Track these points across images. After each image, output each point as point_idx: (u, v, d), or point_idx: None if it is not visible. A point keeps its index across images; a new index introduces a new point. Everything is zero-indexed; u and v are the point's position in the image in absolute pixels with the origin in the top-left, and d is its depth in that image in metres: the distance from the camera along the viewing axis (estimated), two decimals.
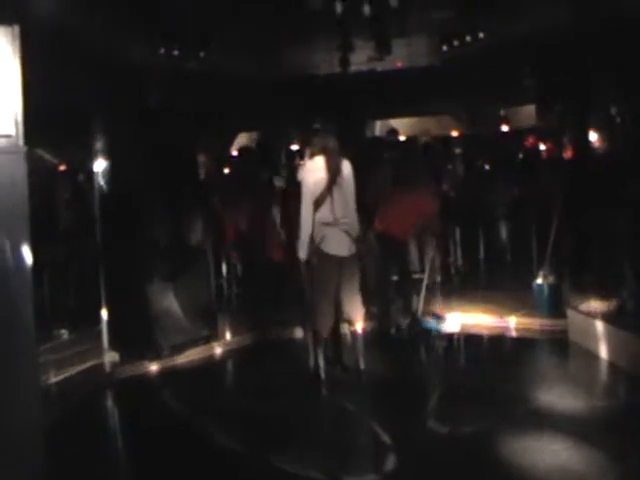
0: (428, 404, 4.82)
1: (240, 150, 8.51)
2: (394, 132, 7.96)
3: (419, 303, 6.70)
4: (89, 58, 6.67)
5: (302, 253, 5.17)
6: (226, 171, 8.69)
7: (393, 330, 6.54)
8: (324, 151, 5.16)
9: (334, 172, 5.11)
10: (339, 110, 8.18)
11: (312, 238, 5.10)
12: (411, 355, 6.19)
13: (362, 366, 5.25)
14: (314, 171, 5.14)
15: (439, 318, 6.74)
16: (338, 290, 5.16)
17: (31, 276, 2.76)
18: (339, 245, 5.11)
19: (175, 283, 6.30)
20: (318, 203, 5.08)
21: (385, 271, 6.60)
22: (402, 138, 9.02)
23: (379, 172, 6.82)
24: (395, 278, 6.83)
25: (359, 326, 5.24)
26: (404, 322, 6.61)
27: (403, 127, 9.41)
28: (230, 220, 7.60)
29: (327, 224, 5.09)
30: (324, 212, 5.09)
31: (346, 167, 5.20)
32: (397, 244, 6.57)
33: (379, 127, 10.62)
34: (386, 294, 6.63)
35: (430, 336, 6.52)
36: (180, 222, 6.49)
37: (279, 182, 7.20)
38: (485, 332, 6.65)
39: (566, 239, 6.77)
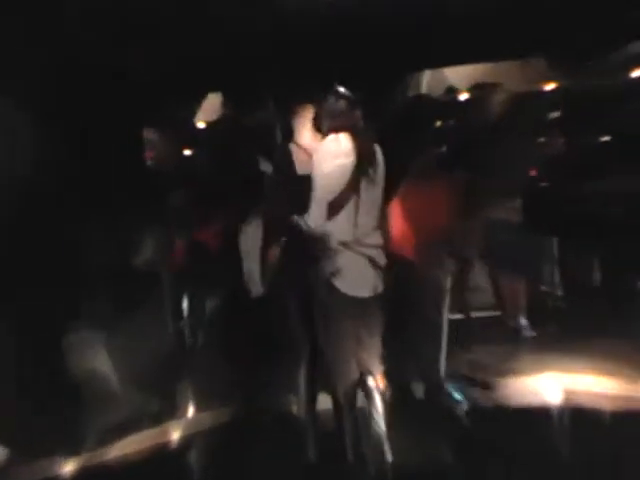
0: None
1: (213, 122, 8.46)
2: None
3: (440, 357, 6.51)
4: None
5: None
6: (189, 153, 8.61)
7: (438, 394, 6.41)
8: (350, 128, 5.10)
9: (367, 159, 5.09)
10: (365, 60, 7.78)
11: (322, 264, 5.12)
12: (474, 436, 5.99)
13: (388, 456, 5.13)
14: (334, 155, 5.03)
15: (466, 381, 6.64)
16: (359, 341, 5.25)
17: None
18: (362, 281, 5.11)
19: (109, 331, 6.31)
20: (335, 207, 5.05)
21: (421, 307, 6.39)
22: (464, 96, 8.91)
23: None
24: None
25: (380, 382, 5.30)
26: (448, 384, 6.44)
27: (465, 79, 9.17)
28: (197, 229, 7.48)
29: (345, 245, 5.08)
30: (342, 224, 5.06)
31: (380, 155, 5.21)
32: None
33: (427, 81, 10.19)
34: (426, 341, 6.46)
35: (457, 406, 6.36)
36: (119, 234, 6.49)
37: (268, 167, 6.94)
38: (603, 405, 6.30)
39: None
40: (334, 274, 5.05)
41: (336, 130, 5.11)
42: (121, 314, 6.30)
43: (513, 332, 7.92)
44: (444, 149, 6.91)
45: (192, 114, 9.71)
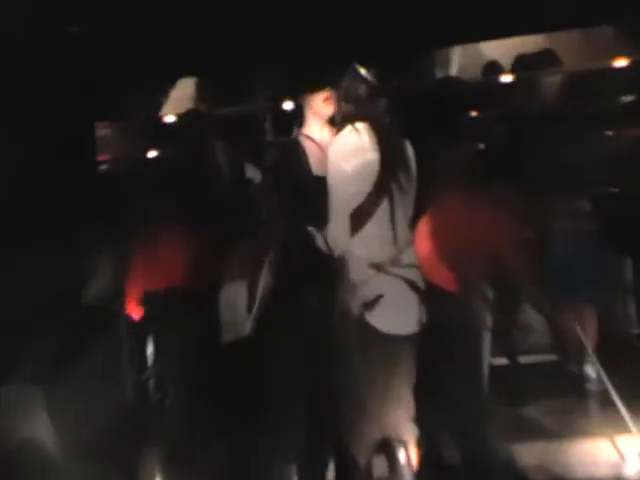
0: None
1: (185, 115, 8.13)
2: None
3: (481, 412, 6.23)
4: None
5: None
6: (154, 155, 8.21)
7: None
8: (370, 118, 4.96)
9: (395, 156, 4.95)
10: (381, 32, 7.21)
11: (346, 294, 4.94)
12: None
13: None
14: (355, 150, 4.86)
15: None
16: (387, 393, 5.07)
17: None
18: (403, 313, 4.92)
19: (51, 386, 5.89)
20: (361, 218, 4.87)
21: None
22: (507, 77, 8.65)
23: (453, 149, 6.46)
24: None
25: (412, 456, 5.17)
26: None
27: (508, 54, 8.81)
28: (165, 251, 6.99)
29: (379, 267, 4.86)
30: (372, 239, 4.91)
31: (410, 152, 5.09)
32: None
33: (459, 58, 9.82)
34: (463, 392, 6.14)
35: None
36: (64, 260, 6.03)
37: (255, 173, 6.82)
38: None
39: None
40: (369, 306, 4.79)
41: (352, 120, 4.94)
42: (67, 364, 5.85)
43: (576, 382, 7.44)
44: (483, 145, 6.66)
45: (157, 104, 9.24)
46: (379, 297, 4.73)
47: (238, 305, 6.54)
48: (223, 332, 6.57)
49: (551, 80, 8.12)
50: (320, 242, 4.94)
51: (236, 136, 7.68)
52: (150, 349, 7.43)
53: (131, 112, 8.20)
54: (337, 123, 5.11)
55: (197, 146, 7.38)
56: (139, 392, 6.99)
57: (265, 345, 6.27)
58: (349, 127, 4.91)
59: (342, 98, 5.10)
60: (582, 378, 7.40)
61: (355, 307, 4.80)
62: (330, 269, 4.95)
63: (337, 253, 4.83)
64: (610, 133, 8.08)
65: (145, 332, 7.33)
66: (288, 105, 8.08)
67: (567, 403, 7.07)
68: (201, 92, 9.34)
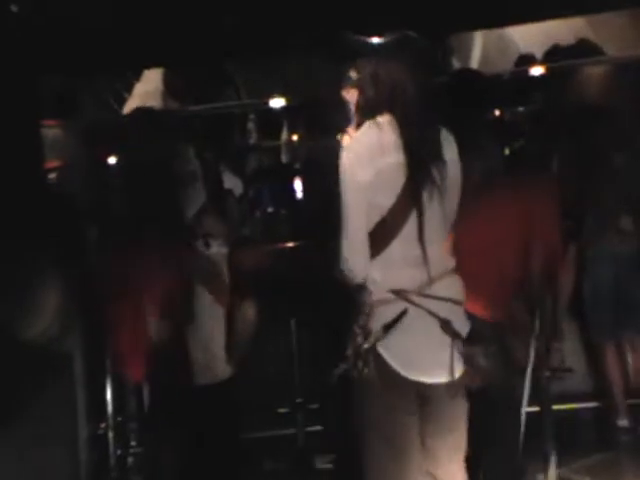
0: None
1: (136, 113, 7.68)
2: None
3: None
4: None
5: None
6: (114, 160, 7.88)
7: None
8: (391, 108, 4.42)
9: (424, 155, 4.39)
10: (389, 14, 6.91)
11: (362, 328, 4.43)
12: None
13: None
14: (373, 155, 4.38)
15: None
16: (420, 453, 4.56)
17: None
18: (428, 355, 4.37)
19: None
20: (384, 238, 4.42)
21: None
22: (538, 70, 8.46)
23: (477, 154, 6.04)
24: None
25: None
26: None
27: (540, 42, 8.80)
28: (126, 277, 6.45)
29: (403, 295, 4.36)
30: (396, 261, 4.40)
31: (449, 148, 4.51)
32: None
33: (483, 45, 9.95)
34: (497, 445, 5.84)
35: None
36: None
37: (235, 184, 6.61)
38: None
39: None
40: (385, 342, 4.28)
41: (372, 114, 4.41)
42: (6, 415, 5.28)
43: (624, 436, 7.06)
44: (513, 150, 6.50)
45: (119, 100, 9.37)
46: (402, 314, 4.21)
47: (214, 345, 6.21)
48: (197, 375, 6.10)
49: (591, 71, 7.74)
50: (334, 268, 4.42)
51: (212, 139, 7.40)
52: (109, 394, 7.18)
53: (85, 109, 7.93)
54: (356, 120, 4.57)
55: (160, 151, 6.71)
56: (95, 447, 6.68)
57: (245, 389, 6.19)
58: (367, 124, 4.45)
59: (358, 88, 4.61)
60: (633, 432, 7.07)
61: (370, 340, 4.29)
62: (344, 301, 4.43)
63: (354, 282, 4.33)
64: None
65: (103, 373, 7.09)
66: (276, 102, 7.92)
67: (612, 462, 6.68)
68: (170, 86, 9.24)
